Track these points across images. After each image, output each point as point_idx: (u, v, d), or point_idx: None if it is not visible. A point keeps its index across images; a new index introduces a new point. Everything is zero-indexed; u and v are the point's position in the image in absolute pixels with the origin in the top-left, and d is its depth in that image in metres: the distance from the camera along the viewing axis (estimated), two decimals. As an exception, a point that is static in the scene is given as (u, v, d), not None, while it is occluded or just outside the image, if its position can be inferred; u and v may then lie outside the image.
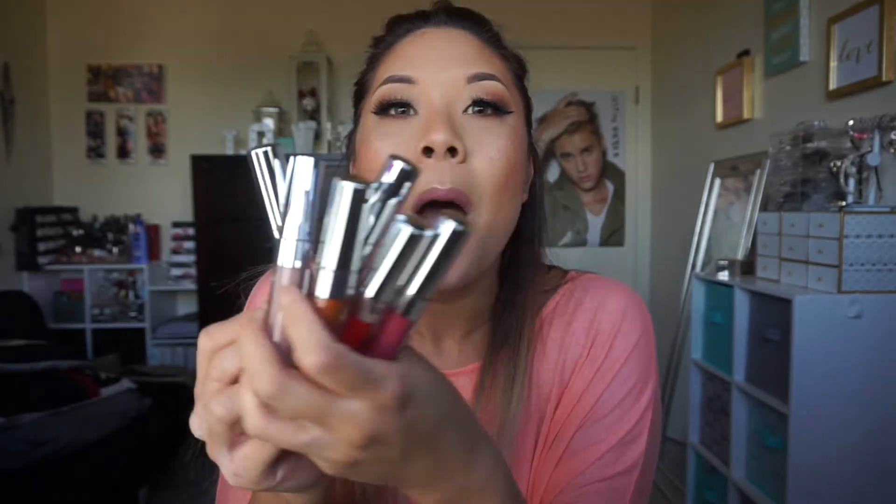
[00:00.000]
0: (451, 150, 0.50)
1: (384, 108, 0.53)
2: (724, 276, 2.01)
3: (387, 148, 0.52)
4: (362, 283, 0.32)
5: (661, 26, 3.52)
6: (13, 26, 3.27)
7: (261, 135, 3.30)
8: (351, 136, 0.61)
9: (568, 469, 0.55)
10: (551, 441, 0.57)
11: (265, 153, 0.36)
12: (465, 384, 0.59)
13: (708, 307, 2.07)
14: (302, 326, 0.30)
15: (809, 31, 2.11)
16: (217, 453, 0.34)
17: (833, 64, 1.94)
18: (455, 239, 0.31)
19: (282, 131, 3.47)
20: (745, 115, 2.49)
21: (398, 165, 0.32)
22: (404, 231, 0.30)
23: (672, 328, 2.74)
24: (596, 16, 3.62)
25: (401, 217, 0.31)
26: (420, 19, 0.57)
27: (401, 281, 0.31)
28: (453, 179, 0.50)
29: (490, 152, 0.52)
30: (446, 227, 0.31)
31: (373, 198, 0.32)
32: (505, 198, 0.53)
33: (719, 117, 2.71)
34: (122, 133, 3.61)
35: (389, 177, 0.32)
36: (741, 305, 1.81)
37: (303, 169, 0.32)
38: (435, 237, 0.31)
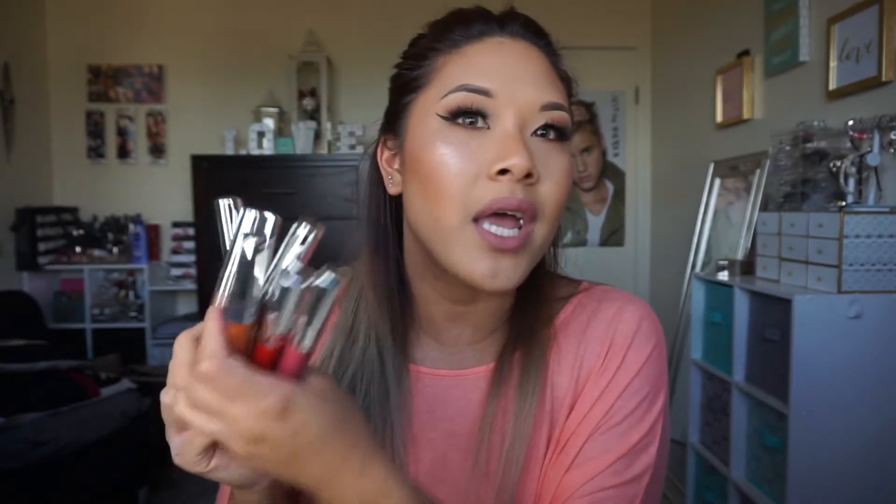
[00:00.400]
0: (527, 174, 0.52)
1: (455, 115, 0.54)
2: (723, 276, 2.01)
3: (452, 156, 0.53)
4: (265, 315, 0.40)
5: (661, 26, 3.52)
6: (13, 26, 3.27)
7: (261, 135, 3.30)
8: (392, 120, 0.60)
9: (579, 475, 0.55)
10: (562, 446, 0.58)
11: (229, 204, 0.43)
12: (480, 384, 0.61)
13: (708, 307, 2.07)
14: (205, 339, 0.39)
15: (809, 31, 2.11)
16: (170, 435, 0.42)
17: (833, 64, 1.94)
18: (324, 291, 0.39)
19: (282, 131, 3.47)
20: (745, 115, 2.49)
21: (305, 227, 0.40)
22: (285, 280, 0.38)
23: (672, 328, 2.74)
24: (596, 16, 3.62)
25: (292, 267, 0.39)
26: (494, 24, 0.56)
27: (287, 320, 0.39)
28: (525, 196, 0.52)
29: (556, 177, 0.54)
30: (323, 279, 0.39)
31: (282, 246, 0.40)
32: (560, 215, 0.56)
33: (719, 117, 2.71)
34: (122, 133, 3.61)
35: (299, 232, 0.40)
36: (741, 305, 1.81)
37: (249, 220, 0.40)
38: (307, 288, 0.39)
